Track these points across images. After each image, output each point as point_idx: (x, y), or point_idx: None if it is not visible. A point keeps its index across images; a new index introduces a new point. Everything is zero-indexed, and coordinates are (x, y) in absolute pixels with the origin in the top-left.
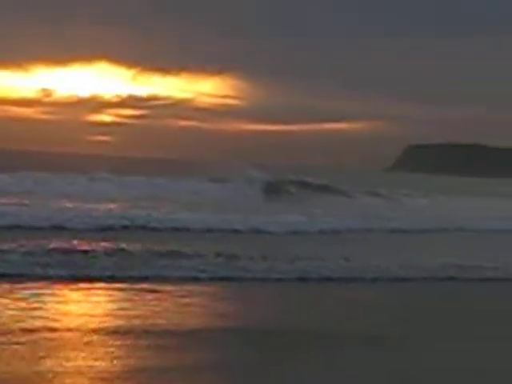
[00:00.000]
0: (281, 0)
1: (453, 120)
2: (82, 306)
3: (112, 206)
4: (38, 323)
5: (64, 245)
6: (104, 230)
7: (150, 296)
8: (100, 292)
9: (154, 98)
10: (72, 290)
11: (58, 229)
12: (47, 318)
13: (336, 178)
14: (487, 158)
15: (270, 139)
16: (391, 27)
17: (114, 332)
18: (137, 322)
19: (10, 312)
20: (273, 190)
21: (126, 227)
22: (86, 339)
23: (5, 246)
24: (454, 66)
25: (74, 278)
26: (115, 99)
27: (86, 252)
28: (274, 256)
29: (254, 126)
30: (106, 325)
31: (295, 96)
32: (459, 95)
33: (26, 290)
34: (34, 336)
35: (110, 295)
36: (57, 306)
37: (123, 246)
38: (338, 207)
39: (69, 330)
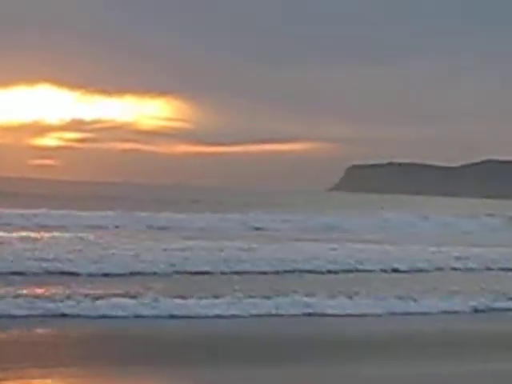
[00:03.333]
0: (223, 22)
1: (394, 140)
2: None
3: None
4: None
5: None
6: None
7: None
8: None
9: (98, 121)
10: None
11: None
12: None
13: (292, 199)
14: (428, 175)
15: (213, 161)
16: (329, 52)
17: None
18: None
19: None
20: None
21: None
22: None
23: None
24: (392, 88)
25: None
26: (58, 122)
27: None
28: None
29: (197, 149)
30: None
31: (238, 118)
32: (397, 116)
33: None
34: None
35: None
36: None
37: None
38: None
39: None
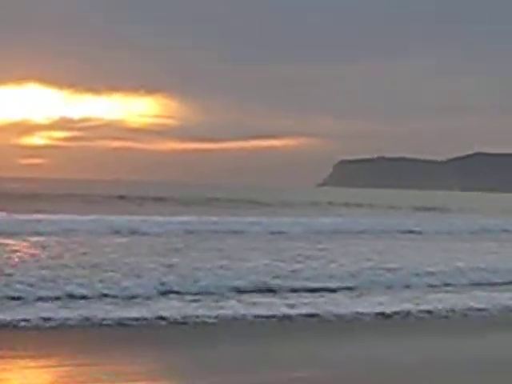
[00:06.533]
0: (212, 21)
1: (382, 135)
2: None
3: None
4: None
5: None
6: None
7: None
8: None
9: (86, 119)
10: None
11: None
12: None
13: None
14: (414, 170)
15: (202, 157)
16: (316, 50)
17: None
18: None
19: None
20: None
21: None
22: None
23: None
24: (378, 84)
25: None
26: (47, 121)
27: None
28: None
29: (186, 145)
30: None
31: (226, 114)
32: (385, 111)
33: None
34: None
35: None
36: None
37: None
38: None
39: None
